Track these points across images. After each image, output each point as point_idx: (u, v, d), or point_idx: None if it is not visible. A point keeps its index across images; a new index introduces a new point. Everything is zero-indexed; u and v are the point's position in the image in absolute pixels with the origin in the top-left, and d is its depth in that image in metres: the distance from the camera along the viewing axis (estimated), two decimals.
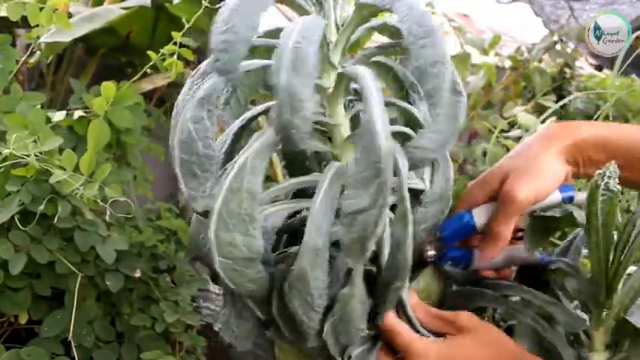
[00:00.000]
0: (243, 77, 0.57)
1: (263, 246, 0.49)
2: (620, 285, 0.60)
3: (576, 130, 0.60)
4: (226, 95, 0.59)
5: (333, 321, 0.51)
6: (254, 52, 0.54)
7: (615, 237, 0.58)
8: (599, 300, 0.59)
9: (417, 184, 0.57)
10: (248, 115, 0.57)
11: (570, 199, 0.59)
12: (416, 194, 0.57)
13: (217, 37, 0.46)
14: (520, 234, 0.63)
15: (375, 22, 0.56)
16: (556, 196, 0.58)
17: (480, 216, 0.59)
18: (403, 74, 0.56)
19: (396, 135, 0.52)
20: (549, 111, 1.48)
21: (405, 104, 0.54)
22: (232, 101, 0.59)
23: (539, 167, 0.58)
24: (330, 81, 0.53)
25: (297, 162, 0.61)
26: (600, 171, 0.53)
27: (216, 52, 0.46)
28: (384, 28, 0.56)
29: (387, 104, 0.54)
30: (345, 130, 0.54)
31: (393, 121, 0.55)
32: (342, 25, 0.54)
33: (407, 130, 0.54)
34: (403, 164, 0.50)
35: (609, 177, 0.53)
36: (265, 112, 0.57)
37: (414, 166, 0.53)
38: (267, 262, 0.53)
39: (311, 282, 0.48)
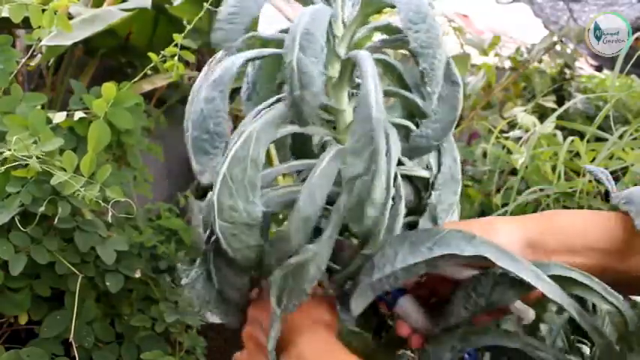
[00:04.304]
0: (259, 71, 0.61)
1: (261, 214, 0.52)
2: None
3: (548, 216, 0.56)
4: (247, 91, 0.62)
5: (285, 272, 0.52)
6: (267, 46, 0.57)
7: None
8: None
9: (421, 172, 0.60)
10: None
11: None
12: (423, 183, 0.60)
13: (225, 10, 0.50)
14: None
15: (379, 22, 0.59)
16: None
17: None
18: (408, 74, 0.59)
19: (399, 127, 0.57)
20: (553, 115, 1.47)
21: (406, 93, 0.57)
22: (253, 97, 0.62)
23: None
24: (335, 71, 0.57)
25: (303, 148, 0.65)
26: None
27: (220, 22, 0.50)
28: (387, 29, 0.59)
29: (390, 94, 0.58)
30: (348, 116, 0.58)
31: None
32: (348, 22, 0.58)
33: (406, 122, 0.58)
34: (394, 140, 0.53)
35: None
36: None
37: (419, 153, 0.58)
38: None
39: (292, 242, 0.51)
